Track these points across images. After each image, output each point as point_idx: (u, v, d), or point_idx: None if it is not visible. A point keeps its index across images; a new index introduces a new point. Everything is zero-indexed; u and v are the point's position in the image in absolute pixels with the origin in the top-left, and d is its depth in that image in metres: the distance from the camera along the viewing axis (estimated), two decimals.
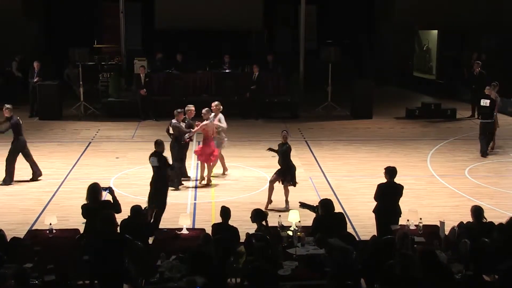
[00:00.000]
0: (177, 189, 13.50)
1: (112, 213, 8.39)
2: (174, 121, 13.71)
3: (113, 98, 21.97)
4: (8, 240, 9.08)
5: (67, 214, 11.83)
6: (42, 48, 26.73)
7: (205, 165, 14.05)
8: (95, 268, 8.04)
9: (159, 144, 11.38)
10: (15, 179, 14.11)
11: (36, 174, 14.29)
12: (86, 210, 9.32)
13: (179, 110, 13.84)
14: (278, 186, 12.56)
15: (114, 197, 9.43)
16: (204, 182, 14.02)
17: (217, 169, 14.58)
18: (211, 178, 14.09)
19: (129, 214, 9.37)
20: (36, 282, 7.90)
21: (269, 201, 12.53)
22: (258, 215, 9.45)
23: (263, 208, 11.84)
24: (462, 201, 12.91)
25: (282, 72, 22.67)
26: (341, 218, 9.65)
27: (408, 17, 26.97)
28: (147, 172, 11.91)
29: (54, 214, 10.14)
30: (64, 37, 25.93)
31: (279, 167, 12.54)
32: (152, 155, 11.29)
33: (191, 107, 14.14)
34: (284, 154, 12.42)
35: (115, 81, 22.34)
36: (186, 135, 13.64)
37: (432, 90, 25.78)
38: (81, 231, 9.61)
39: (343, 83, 22.46)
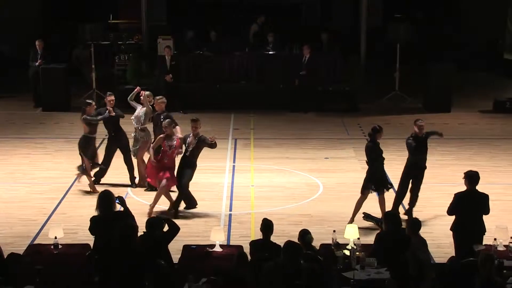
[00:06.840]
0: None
1: (134, 225, 8.42)
2: None
3: (132, 85, 22.15)
4: (5, 256, 9.27)
5: (75, 226, 12.02)
6: (45, 24, 27.07)
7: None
8: None
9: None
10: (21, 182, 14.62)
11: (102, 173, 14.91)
12: (95, 223, 9.37)
13: None
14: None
15: (126, 209, 9.47)
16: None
17: None
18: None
19: (144, 230, 9.44)
20: None
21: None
22: (301, 237, 9.46)
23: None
24: None
25: (339, 54, 22.59)
26: (409, 236, 9.62)
27: None
28: None
29: (60, 226, 10.31)
30: (72, 11, 26.27)
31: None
32: None
33: None
34: None
35: (134, 65, 22.56)
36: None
37: None
38: (92, 246, 9.75)
39: (415, 68, 22.20)
